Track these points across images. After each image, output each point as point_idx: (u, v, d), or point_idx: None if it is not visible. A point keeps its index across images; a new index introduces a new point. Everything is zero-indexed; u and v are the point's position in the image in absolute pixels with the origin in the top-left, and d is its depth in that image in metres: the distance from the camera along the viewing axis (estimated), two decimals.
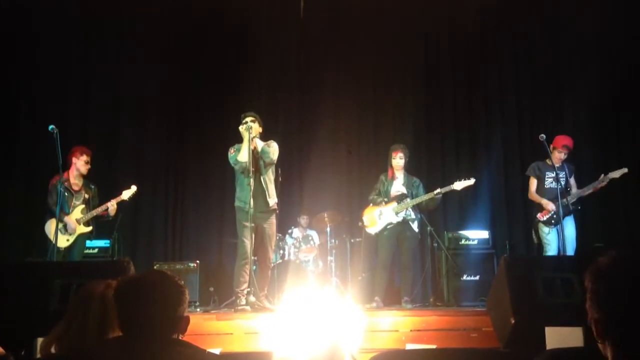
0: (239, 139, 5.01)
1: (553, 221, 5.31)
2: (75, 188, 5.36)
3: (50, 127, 4.70)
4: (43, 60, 6.87)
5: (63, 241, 5.18)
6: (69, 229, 5.21)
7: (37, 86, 6.81)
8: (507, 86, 7.18)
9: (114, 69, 7.05)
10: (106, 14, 7.00)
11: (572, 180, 5.50)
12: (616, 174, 5.26)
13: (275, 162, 5.04)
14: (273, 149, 4.99)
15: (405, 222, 5.39)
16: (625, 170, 5.27)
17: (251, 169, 4.80)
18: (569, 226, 5.28)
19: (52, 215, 5.18)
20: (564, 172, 5.37)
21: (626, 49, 6.68)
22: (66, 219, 5.20)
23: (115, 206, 5.36)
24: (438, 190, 5.35)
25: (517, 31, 7.25)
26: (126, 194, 5.40)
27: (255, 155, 4.94)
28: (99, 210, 5.32)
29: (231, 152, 5.02)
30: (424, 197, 5.36)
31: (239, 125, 5.01)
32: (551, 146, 5.36)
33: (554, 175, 5.33)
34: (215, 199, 6.89)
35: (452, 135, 7.14)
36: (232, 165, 5.01)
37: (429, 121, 7.22)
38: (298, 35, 7.37)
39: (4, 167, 6.57)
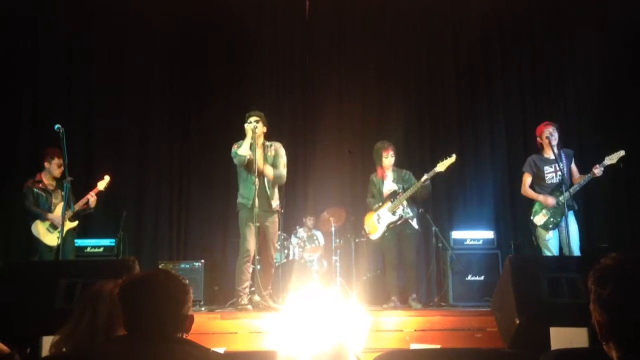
0: (244, 137, 5.00)
1: (551, 225, 4.95)
2: (51, 188, 5.44)
3: (56, 126, 4.72)
4: (45, 61, 6.88)
5: (54, 239, 5.24)
6: (56, 225, 5.25)
7: (40, 87, 6.83)
8: (510, 85, 7.16)
9: (118, 69, 7.07)
10: (110, 13, 7.02)
11: (573, 166, 5.10)
12: (613, 159, 4.75)
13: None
14: (283, 162, 5.01)
15: (404, 221, 5.35)
16: (622, 152, 4.75)
17: (256, 168, 4.80)
18: (571, 224, 4.87)
19: (35, 218, 5.28)
20: (562, 163, 4.94)
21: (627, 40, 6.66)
22: (50, 216, 5.29)
23: (95, 198, 5.43)
24: (425, 177, 5.24)
25: (519, 30, 7.22)
26: (101, 185, 5.49)
27: (263, 159, 4.94)
28: (81, 204, 5.37)
29: (234, 147, 5.00)
30: (413, 188, 5.29)
31: (243, 125, 4.99)
32: (538, 141, 5.10)
33: (552, 168, 5.01)
34: (219, 198, 6.89)
35: (455, 135, 7.12)
36: (233, 158, 4.97)
37: (432, 122, 7.22)
38: (303, 36, 7.39)
39: (6, 168, 6.58)
